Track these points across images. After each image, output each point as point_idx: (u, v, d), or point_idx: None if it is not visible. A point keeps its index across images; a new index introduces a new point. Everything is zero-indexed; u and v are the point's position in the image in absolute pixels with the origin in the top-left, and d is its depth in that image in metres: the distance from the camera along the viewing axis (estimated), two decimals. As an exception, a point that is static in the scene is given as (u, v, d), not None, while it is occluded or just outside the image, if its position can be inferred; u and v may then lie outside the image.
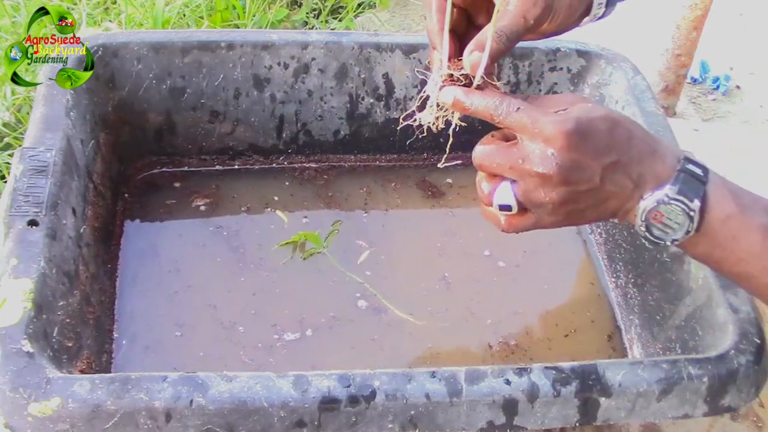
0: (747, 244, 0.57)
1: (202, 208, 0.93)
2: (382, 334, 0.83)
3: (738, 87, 1.75)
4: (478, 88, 0.60)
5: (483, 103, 0.59)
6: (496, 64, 0.62)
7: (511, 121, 0.57)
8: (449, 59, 0.62)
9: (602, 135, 0.56)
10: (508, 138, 0.60)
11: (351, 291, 0.86)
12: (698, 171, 0.58)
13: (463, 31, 0.65)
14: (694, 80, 1.75)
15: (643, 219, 0.58)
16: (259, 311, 0.83)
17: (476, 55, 0.60)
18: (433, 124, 0.63)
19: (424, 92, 0.63)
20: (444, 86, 0.61)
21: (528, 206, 0.58)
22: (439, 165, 0.68)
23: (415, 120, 0.64)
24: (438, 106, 0.62)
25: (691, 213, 0.57)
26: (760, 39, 1.86)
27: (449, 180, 1.00)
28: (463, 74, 0.60)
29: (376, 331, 0.83)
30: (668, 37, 1.52)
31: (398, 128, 0.99)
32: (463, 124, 0.63)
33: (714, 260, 0.60)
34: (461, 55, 0.61)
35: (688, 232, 0.58)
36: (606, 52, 0.98)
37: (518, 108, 0.57)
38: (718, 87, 1.73)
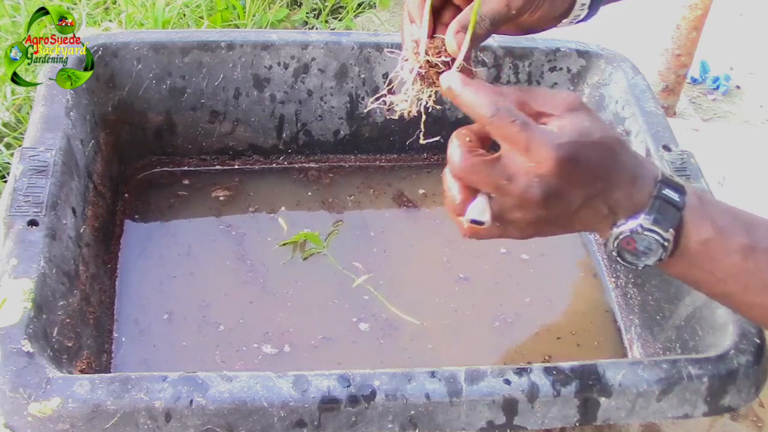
0: (726, 265, 0.56)
1: (221, 198, 0.94)
2: (378, 342, 0.82)
3: (738, 87, 1.75)
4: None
5: (476, 102, 0.54)
6: (473, 51, 0.60)
7: (503, 132, 0.53)
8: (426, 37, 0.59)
9: (593, 164, 0.54)
10: (482, 139, 0.56)
11: (349, 308, 0.84)
12: (674, 196, 0.56)
13: (438, 7, 0.62)
14: (694, 80, 1.75)
15: (615, 245, 0.57)
16: (248, 318, 0.82)
17: (461, 36, 0.58)
18: (407, 110, 0.60)
19: (397, 75, 0.60)
20: (420, 71, 0.58)
21: (499, 221, 0.56)
22: (421, 141, 0.65)
23: (384, 104, 0.61)
24: (413, 92, 0.59)
25: (665, 243, 0.55)
26: (760, 39, 1.86)
27: (422, 190, 0.99)
28: (442, 61, 0.58)
29: (371, 341, 0.82)
30: (668, 37, 1.52)
31: (398, 128, 0.99)
32: (437, 107, 0.61)
33: (692, 281, 0.59)
34: (436, 33, 0.59)
35: (660, 259, 0.57)
36: (606, 52, 0.98)
37: (514, 120, 0.53)
38: (718, 87, 1.73)
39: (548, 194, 0.53)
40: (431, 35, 0.60)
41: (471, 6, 0.59)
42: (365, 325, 0.83)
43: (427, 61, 0.58)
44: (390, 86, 0.61)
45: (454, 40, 0.58)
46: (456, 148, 0.55)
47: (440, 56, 0.59)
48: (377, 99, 0.61)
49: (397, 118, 0.61)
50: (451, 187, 0.56)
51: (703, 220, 0.56)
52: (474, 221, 0.55)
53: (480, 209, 0.55)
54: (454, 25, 0.58)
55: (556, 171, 0.52)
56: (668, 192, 0.56)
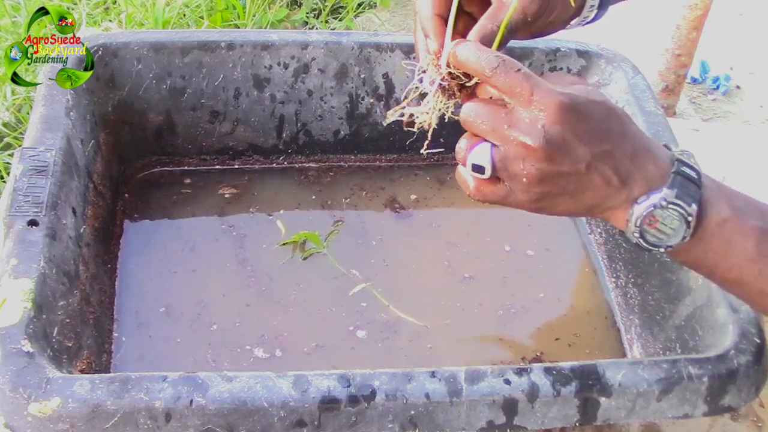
0: (742, 248, 0.55)
1: (227, 195, 0.94)
2: (376, 346, 0.82)
3: (738, 87, 1.75)
4: (476, 85, 0.58)
5: (479, 56, 0.54)
6: None
7: (505, 81, 0.53)
8: (440, 49, 0.59)
9: (598, 120, 0.54)
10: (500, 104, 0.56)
11: (346, 316, 0.83)
12: (692, 173, 0.55)
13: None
14: (694, 80, 1.75)
15: (637, 225, 0.55)
16: (244, 320, 0.82)
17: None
18: (426, 122, 0.60)
19: (416, 88, 0.60)
20: (443, 84, 0.58)
21: (502, 175, 0.55)
22: (422, 151, 0.65)
23: (403, 116, 0.61)
24: (434, 104, 0.59)
25: (689, 218, 0.54)
26: (760, 39, 1.86)
27: (414, 195, 0.98)
28: (464, 73, 0.58)
29: (368, 348, 0.81)
30: (668, 37, 1.52)
31: (398, 128, 0.99)
32: (456, 117, 0.60)
33: (707, 266, 0.58)
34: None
35: (684, 237, 0.55)
36: (606, 52, 0.98)
37: (518, 69, 0.53)
38: (718, 87, 1.73)
39: (550, 143, 0.52)
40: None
41: (487, 15, 0.59)
42: (362, 333, 0.82)
43: (450, 73, 0.58)
44: (408, 98, 0.60)
45: None
46: (470, 101, 0.56)
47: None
48: (396, 112, 0.61)
49: (416, 129, 0.61)
50: (461, 139, 0.56)
51: (720, 200, 0.56)
52: (475, 166, 0.55)
53: (480, 153, 0.55)
54: (471, 37, 0.58)
55: (558, 117, 0.52)
56: (686, 169, 0.55)
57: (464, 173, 0.57)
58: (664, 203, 0.54)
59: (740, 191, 0.58)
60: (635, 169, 0.55)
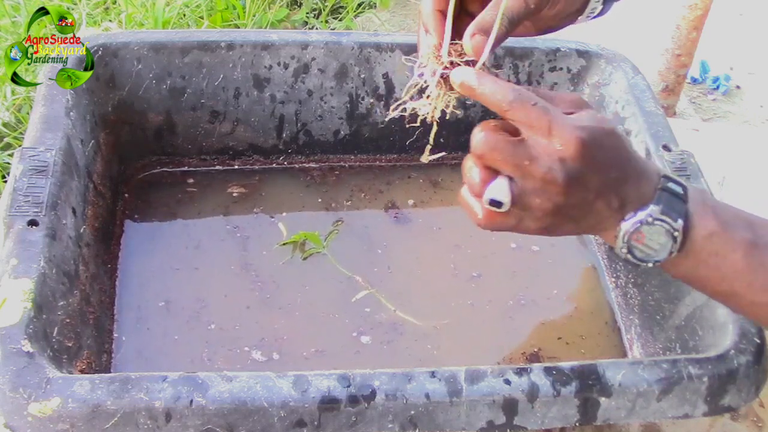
0: (731, 261, 0.56)
1: (235, 194, 0.94)
2: (382, 348, 0.82)
3: (738, 87, 1.75)
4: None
5: (495, 90, 0.54)
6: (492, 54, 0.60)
7: (524, 115, 0.53)
8: (440, 42, 0.59)
9: (610, 150, 0.54)
10: (509, 130, 0.55)
11: (349, 322, 0.83)
12: (678, 189, 0.56)
13: (454, 17, 0.61)
14: (694, 80, 1.75)
15: (624, 241, 0.56)
16: (243, 322, 0.81)
17: (479, 39, 0.57)
18: (430, 115, 0.60)
19: (418, 81, 0.60)
20: (444, 73, 0.58)
21: (517, 208, 0.55)
22: (422, 159, 0.64)
23: (405, 110, 0.61)
24: (437, 95, 0.59)
25: (675, 233, 0.55)
26: (760, 39, 1.86)
27: (412, 200, 0.98)
28: (464, 61, 0.58)
29: (372, 353, 0.80)
30: (668, 37, 1.52)
31: (398, 128, 0.99)
32: (457, 112, 0.61)
33: (698, 279, 0.58)
34: (456, 39, 0.59)
35: (671, 252, 0.56)
36: (606, 52, 0.98)
37: (535, 103, 0.53)
38: (718, 87, 1.73)
39: (570, 178, 0.53)
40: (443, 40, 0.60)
41: (489, 7, 0.59)
42: (366, 338, 0.82)
43: (451, 62, 0.58)
44: (409, 94, 0.61)
45: (471, 42, 0.58)
46: (479, 130, 0.55)
47: (462, 58, 0.59)
48: (398, 107, 0.61)
49: (418, 124, 0.61)
50: (471, 168, 0.56)
51: (707, 214, 0.56)
52: (493, 201, 0.55)
53: (499, 189, 0.54)
54: (471, 28, 0.58)
55: (579, 153, 0.53)
56: (672, 185, 0.56)
57: (473, 202, 0.57)
58: (650, 219, 0.55)
59: (730, 204, 0.59)
60: (631, 191, 0.56)
